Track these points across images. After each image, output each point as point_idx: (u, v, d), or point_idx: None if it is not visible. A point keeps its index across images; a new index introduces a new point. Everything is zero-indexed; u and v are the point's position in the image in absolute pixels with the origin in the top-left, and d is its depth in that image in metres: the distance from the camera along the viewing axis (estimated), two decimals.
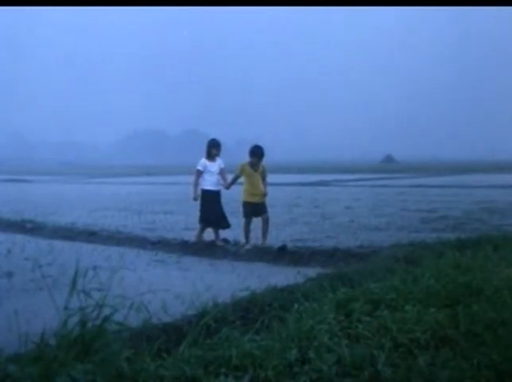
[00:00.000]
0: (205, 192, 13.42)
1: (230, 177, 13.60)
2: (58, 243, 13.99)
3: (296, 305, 6.35)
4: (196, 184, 13.59)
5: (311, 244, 12.70)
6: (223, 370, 4.57)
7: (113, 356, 4.47)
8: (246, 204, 13.08)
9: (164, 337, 5.47)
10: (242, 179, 13.25)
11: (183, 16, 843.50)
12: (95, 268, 9.33)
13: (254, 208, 12.98)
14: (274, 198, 23.59)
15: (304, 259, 11.61)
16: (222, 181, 13.69)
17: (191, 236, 14.17)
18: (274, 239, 13.11)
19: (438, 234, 13.80)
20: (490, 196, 26.64)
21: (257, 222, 13.11)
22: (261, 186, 13.03)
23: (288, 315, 6.02)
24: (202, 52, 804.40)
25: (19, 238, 15.12)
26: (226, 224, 13.53)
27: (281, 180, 41.95)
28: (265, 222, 12.97)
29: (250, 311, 6.52)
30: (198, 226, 13.75)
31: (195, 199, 13.58)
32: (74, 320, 4.64)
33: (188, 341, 5.02)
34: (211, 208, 13.38)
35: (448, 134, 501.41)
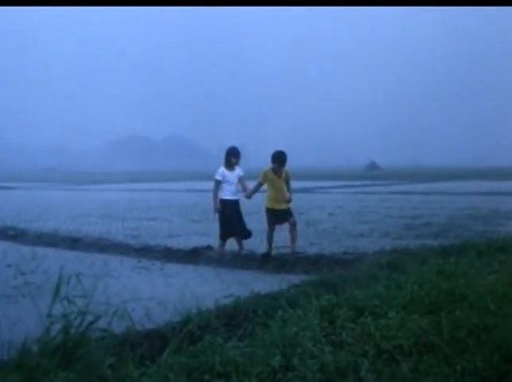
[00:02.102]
0: (224, 203, 13.03)
1: (250, 185, 13.32)
2: (41, 250, 13.91)
3: (280, 312, 6.36)
4: (216, 195, 13.07)
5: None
6: (207, 377, 4.57)
7: (96, 364, 4.46)
8: (269, 211, 12.82)
9: (148, 344, 5.46)
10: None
11: (168, 20, 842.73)
12: (78, 275, 9.29)
13: (278, 215, 12.74)
14: (258, 205, 23.57)
15: (288, 265, 11.62)
16: (241, 190, 13.32)
17: (174, 243, 14.17)
18: (258, 246, 13.10)
19: (422, 240, 13.84)
20: (473, 203, 26.73)
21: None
22: (285, 192, 12.87)
23: (272, 322, 6.02)
24: (186, 57, 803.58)
25: (1, 245, 15.06)
26: (248, 234, 13.14)
27: (264, 186, 41.46)
28: (293, 226, 12.71)
29: (233, 318, 6.51)
30: (218, 240, 13.24)
31: (216, 211, 13.02)
32: (57, 327, 4.63)
33: (172, 348, 5.01)
34: (231, 218, 12.98)
35: (432, 140, 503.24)
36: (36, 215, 22.97)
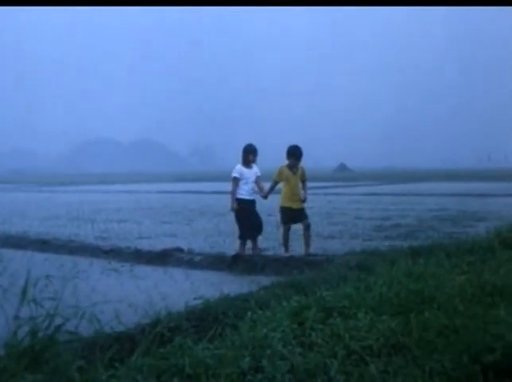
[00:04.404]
0: (241, 202, 12.66)
1: (266, 186, 12.96)
2: (9, 252, 13.80)
3: (249, 314, 6.34)
4: (234, 193, 12.68)
5: (265, 252, 12.68)
6: (176, 379, 4.56)
7: (64, 366, 4.42)
8: (284, 210, 12.62)
9: (117, 347, 5.43)
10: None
11: (136, 22, 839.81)
12: (47, 277, 9.21)
13: (293, 214, 12.57)
14: (228, 206, 23.54)
15: (258, 267, 11.61)
16: (257, 190, 12.96)
17: (144, 245, 14.12)
18: (228, 248, 13.08)
19: (391, 242, 13.91)
20: (442, 204, 26.93)
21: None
22: (300, 191, 12.64)
23: (242, 323, 6.01)
24: (156, 59, 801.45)
25: None
26: (259, 234, 12.90)
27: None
28: (307, 228, 12.54)
29: (203, 320, 6.49)
30: (238, 240, 12.88)
31: (233, 210, 12.66)
32: (24, 330, 4.59)
33: (141, 350, 4.99)
34: (247, 218, 12.64)
35: (401, 143, 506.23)
36: (4, 217, 22.80)
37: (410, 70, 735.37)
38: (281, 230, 12.82)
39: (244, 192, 12.71)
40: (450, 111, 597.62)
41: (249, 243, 12.75)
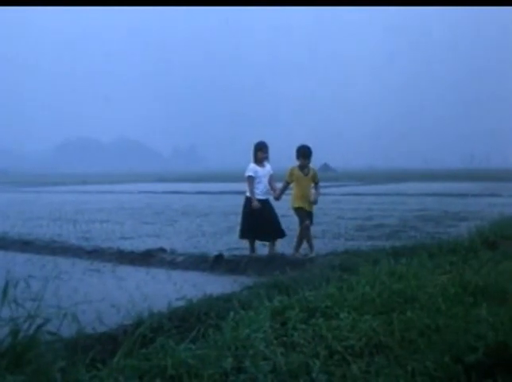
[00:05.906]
0: (251, 202, 12.38)
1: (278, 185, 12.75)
2: None
3: (232, 314, 6.33)
4: (253, 192, 12.35)
5: (247, 253, 12.66)
6: (159, 380, 4.54)
7: (46, 367, 4.39)
8: (298, 210, 12.40)
9: (99, 347, 5.41)
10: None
11: (114, 19, 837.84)
12: (28, 278, 9.15)
13: (307, 214, 12.43)
14: (211, 206, 23.55)
15: (241, 267, 11.59)
16: (269, 189, 12.68)
17: (126, 245, 14.08)
18: (211, 248, 13.06)
19: (373, 242, 13.96)
20: (424, 205, 27.04)
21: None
22: (311, 192, 12.44)
23: (225, 324, 6.00)
24: (137, 58, 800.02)
25: None
26: (282, 234, 12.59)
27: (216, 188, 42.04)
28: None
29: (186, 320, 6.48)
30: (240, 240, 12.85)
31: (255, 207, 12.23)
32: (5, 331, 4.56)
33: (123, 351, 4.96)
34: (259, 219, 12.30)
35: (383, 143, 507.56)
36: None
37: (396, 72, 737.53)
38: (300, 230, 12.49)
39: (258, 192, 12.48)
40: (434, 112, 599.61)
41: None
